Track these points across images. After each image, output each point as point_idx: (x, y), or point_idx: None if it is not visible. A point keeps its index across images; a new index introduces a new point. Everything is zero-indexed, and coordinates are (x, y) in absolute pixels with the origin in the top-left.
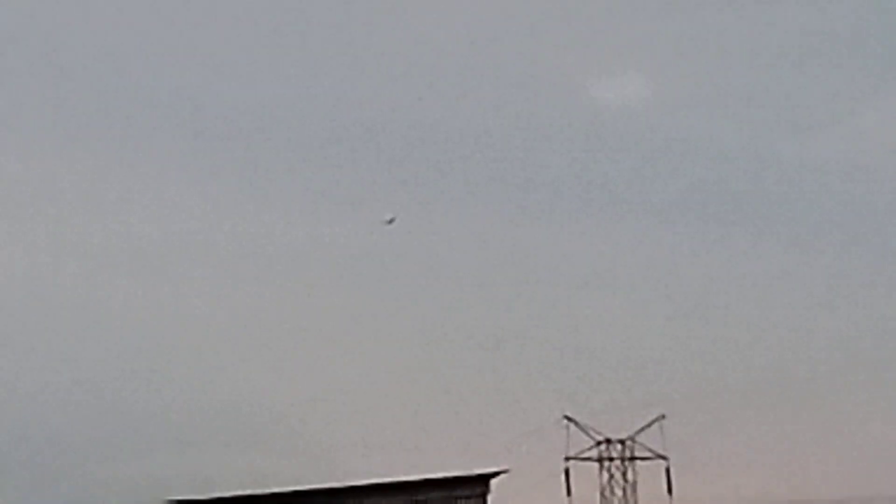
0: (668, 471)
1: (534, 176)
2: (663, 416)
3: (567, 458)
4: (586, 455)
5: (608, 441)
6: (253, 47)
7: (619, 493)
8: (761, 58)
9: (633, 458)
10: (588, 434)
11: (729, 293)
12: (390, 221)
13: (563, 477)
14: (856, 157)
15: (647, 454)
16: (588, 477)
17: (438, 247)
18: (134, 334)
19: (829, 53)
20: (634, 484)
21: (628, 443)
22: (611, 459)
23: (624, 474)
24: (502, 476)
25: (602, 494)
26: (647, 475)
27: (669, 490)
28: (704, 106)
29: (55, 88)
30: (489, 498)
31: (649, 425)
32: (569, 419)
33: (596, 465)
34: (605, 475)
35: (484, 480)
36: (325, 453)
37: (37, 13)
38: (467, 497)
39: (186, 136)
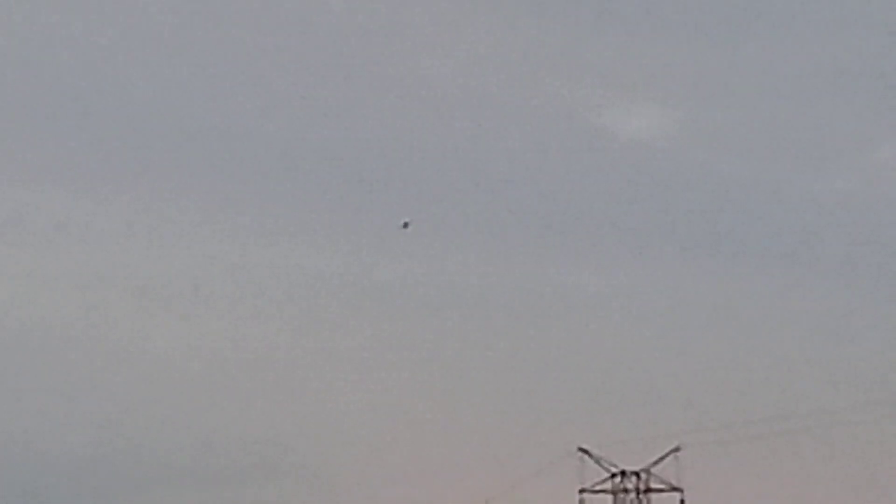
0: (682, 503)
1: (548, 207)
2: (678, 448)
3: (581, 491)
4: (601, 487)
5: (623, 473)
6: (262, 82)
7: None
8: (779, 92)
9: (648, 491)
10: (602, 466)
11: (745, 326)
12: (405, 225)
13: None
14: (872, 190)
15: (662, 486)
16: None
17: (451, 278)
18: (139, 369)
19: (846, 88)
20: None
21: (643, 475)
22: (625, 491)
23: None
24: None
25: None
26: None
27: None
28: (721, 139)
29: (61, 118)
30: None
31: (664, 457)
32: (583, 451)
33: (611, 497)
34: None
35: None
36: (334, 486)
37: (54, 40)
38: None
39: (193, 170)
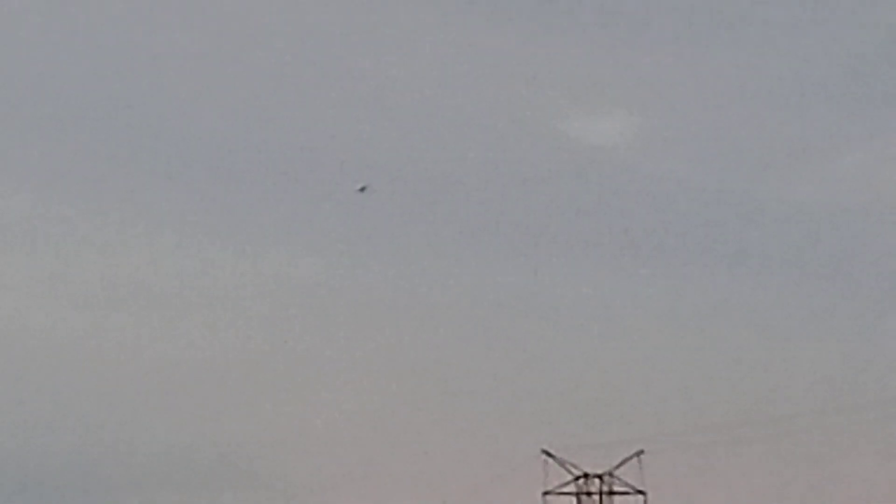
0: None
1: (511, 213)
2: (642, 452)
3: (545, 493)
4: (564, 490)
5: (586, 476)
6: (255, 95)
7: None
8: (744, 99)
9: (611, 493)
10: (566, 469)
11: (709, 330)
12: (362, 189)
13: None
14: (839, 197)
15: (626, 489)
16: None
17: (414, 284)
18: (123, 376)
19: (814, 95)
20: None
21: (606, 478)
22: (588, 494)
23: None
24: None
25: None
26: None
27: None
28: (687, 146)
29: (58, 129)
30: None
31: (628, 460)
32: (547, 454)
33: (574, 499)
34: None
35: None
36: (301, 491)
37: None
38: None
39: (184, 179)
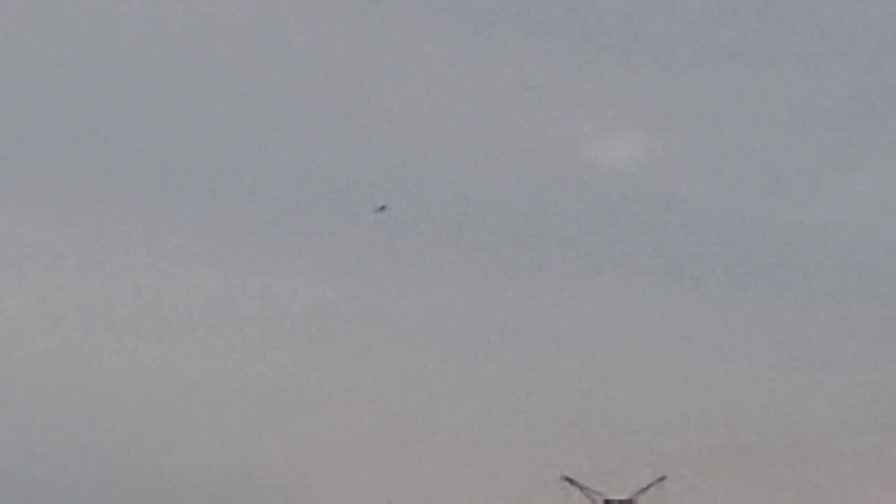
0: None
1: (532, 237)
2: (664, 478)
3: None
4: None
5: (608, 502)
6: (261, 111)
7: None
8: (757, 121)
9: None
10: (588, 495)
11: (728, 355)
12: (382, 208)
13: None
14: (851, 219)
15: None
16: None
17: (434, 307)
18: (131, 398)
19: (825, 117)
20: None
21: None
22: None
23: None
24: None
25: None
26: None
27: None
28: (701, 168)
29: (57, 150)
30: None
31: (650, 486)
32: (568, 480)
33: None
34: None
35: None
36: None
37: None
38: None
39: (186, 201)
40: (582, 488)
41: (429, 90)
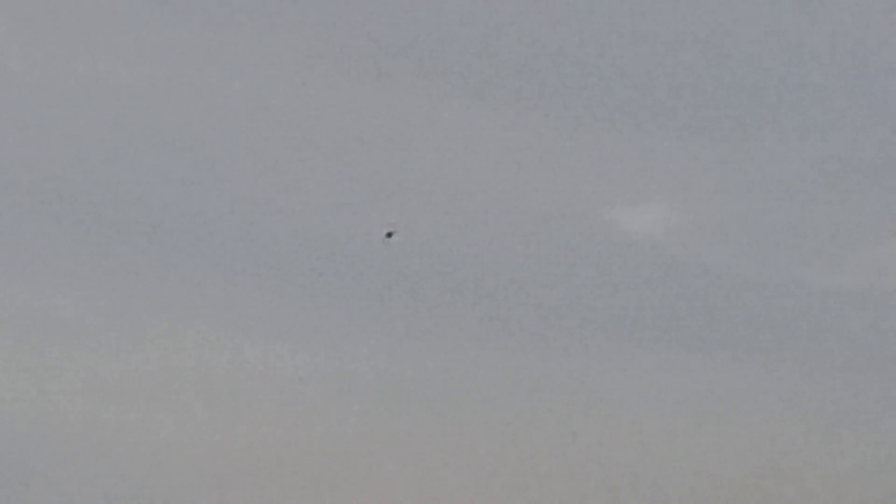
0: None
1: (555, 307)
2: None
3: None
4: None
5: None
6: (266, 180)
7: None
8: (783, 187)
9: None
10: None
11: (754, 422)
12: (389, 235)
13: None
14: (878, 286)
15: None
16: None
17: (455, 381)
18: (135, 467)
19: (854, 181)
20: None
21: None
22: None
23: None
24: None
25: None
26: None
27: None
28: (726, 234)
29: (59, 214)
30: None
31: None
32: None
33: None
34: None
35: None
36: None
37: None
38: None
39: (188, 265)
40: None
41: (446, 157)
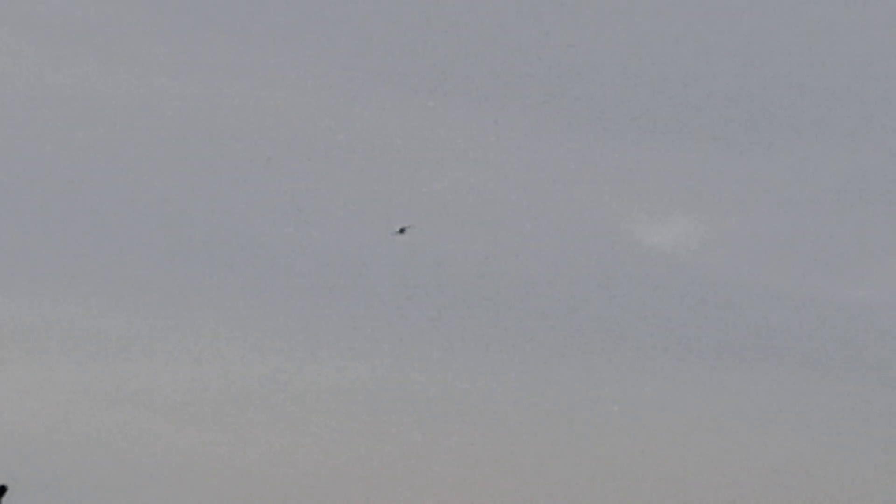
0: None
1: (581, 322)
2: None
3: None
4: None
5: None
6: (309, 196)
7: None
8: (802, 202)
9: None
10: None
11: (771, 436)
12: (402, 231)
13: None
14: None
15: None
16: None
17: (483, 393)
18: (158, 481)
19: (876, 195)
20: None
21: None
22: None
23: None
24: None
25: None
26: None
27: None
28: (751, 248)
29: (71, 230)
30: None
31: None
32: None
33: None
34: None
35: None
36: None
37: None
38: None
39: (204, 276)
40: None
41: (471, 170)
